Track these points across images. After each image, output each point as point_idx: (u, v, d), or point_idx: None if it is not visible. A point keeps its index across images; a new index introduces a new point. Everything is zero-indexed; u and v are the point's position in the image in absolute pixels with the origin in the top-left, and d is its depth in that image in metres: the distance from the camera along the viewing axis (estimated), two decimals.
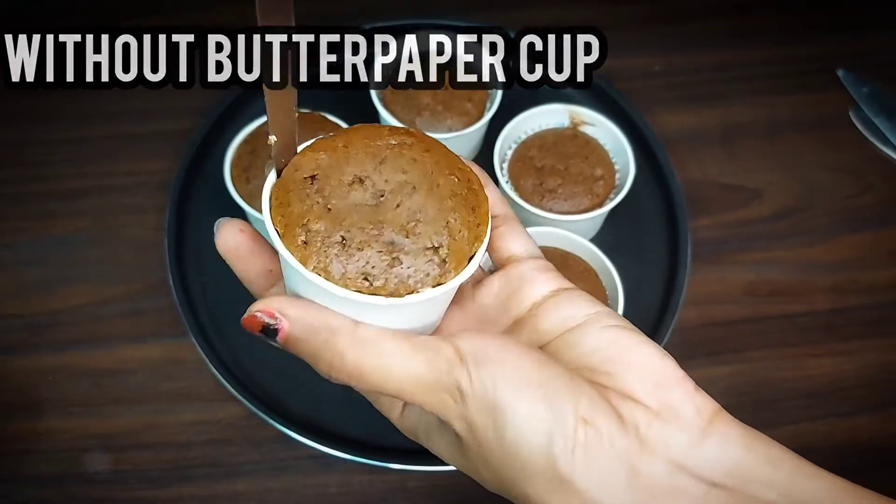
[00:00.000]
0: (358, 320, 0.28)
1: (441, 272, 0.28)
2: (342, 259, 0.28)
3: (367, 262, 0.28)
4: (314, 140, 0.31)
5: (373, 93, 0.58)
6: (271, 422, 0.51)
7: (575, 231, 0.54)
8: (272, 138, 0.29)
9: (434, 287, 0.28)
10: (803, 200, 0.63)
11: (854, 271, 0.59)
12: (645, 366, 0.28)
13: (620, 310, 0.51)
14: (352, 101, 0.63)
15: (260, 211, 0.57)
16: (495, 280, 0.33)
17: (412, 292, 0.28)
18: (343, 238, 0.28)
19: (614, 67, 0.68)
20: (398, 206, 0.29)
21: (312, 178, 0.29)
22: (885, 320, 0.57)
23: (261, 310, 0.28)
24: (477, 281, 0.33)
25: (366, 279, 0.28)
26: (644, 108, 0.65)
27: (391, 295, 0.28)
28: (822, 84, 0.68)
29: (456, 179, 0.30)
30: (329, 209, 0.28)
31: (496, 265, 0.34)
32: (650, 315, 0.56)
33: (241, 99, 0.63)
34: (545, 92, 0.66)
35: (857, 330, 0.57)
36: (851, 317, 0.57)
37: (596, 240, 0.58)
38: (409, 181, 0.29)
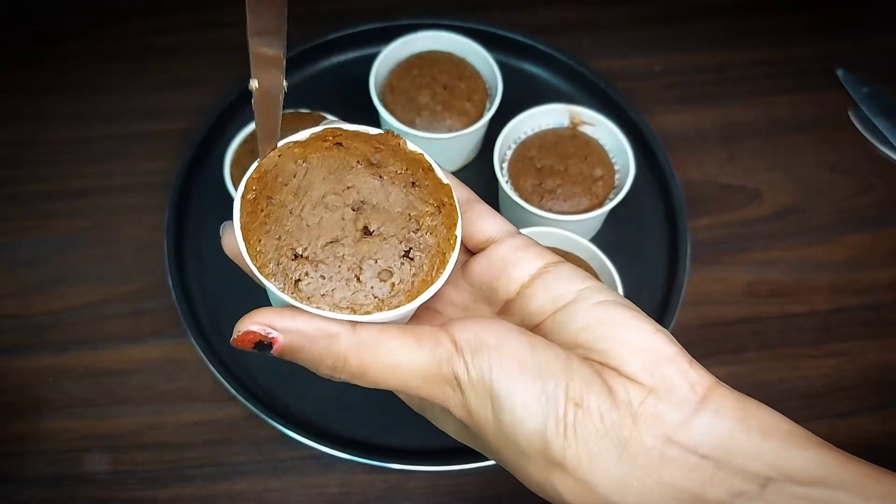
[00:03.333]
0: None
1: (414, 284, 0.29)
2: (314, 283, 0.28)
3: (336, 288, 0.28)
4: (286, 145, 0.30)
5: (372, 93, 0.58)
6: (271, 422, 0.51)
7: (575, 231, 0.54)
8: (253, 83, 0.28)
9: (409, 302, 0.29)
10: (803, 200, 0.63)
11: (853, 271, 0.59)
12: (637, 343, 0.28)
13: None
14: (351, 101, 0.63)
15: None
16: (477, 264, 0.32)
17: (381, 310, 0.28)
18: (310, 260, 0.28)
19: (614, 67, 0.68)
20: (365, 227, 0.29)
21: (294, 193, 0.29)
22: (884, 320, 0.57)
23: (249, 327, 0.27)
24: (462, 263, 0.33)
25: (341, 301, 0.28)
26: (644, 108, 0.65)
27: (362, 312, 0.28)
28: (822, 84, 0.68)
29: (421, 188, 0.30)
30: (296, 229, 0.29)
31: (474, 249, 0.33)
32: (649, 315, 0.56)
33: (242, 99, 0.63)
34: (545, 92, 0.66)
35: (857, 330, 0.57)
36: (851, 317, 0.57)
37: (596, 240, 0.58)
38: (372, 196, 0.29)
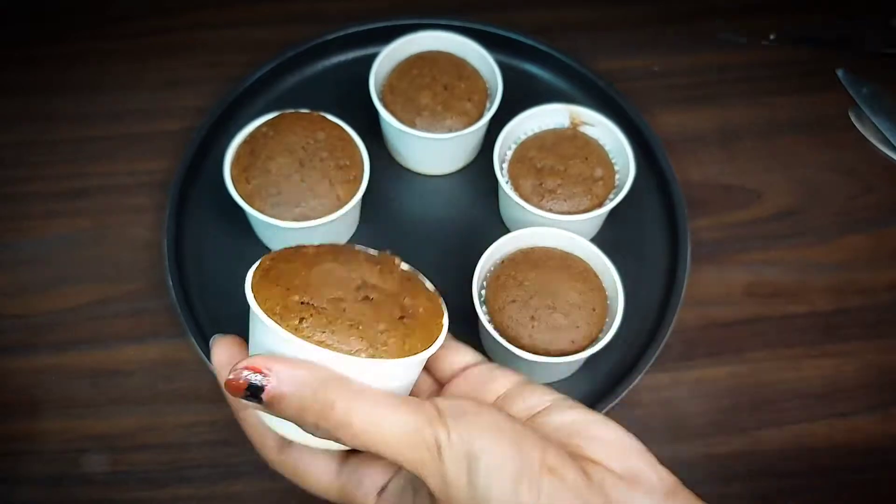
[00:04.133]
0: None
1: (407, 342, 0.31)
2: (314, 324, 0.30)
3: (337, 331, 0.30)
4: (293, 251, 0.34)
5: (372, 93, 0.58)
6: None
7: (575, 231, 0.54)
8: None
9: (404, 357, 0.31)
10: (803, 201, 0.63)
11: (854, 272, 0.59)
12: (609, 438, 0.31)
13: (620, 309, 0.51)
14: (352, 102, 0.63)
15: (260, 211, 0.57)
16: (454, 384, 0.36)
17: (374, 357, 0.31)
18: (314, 307, 0.31)
19: (614, 67, 0.68)
20: (365, 297, 0.32)
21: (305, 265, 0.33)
22: (884, 321, 0.57)
23: (246, 366, 0.28)
24: (434, 392, 0.37)
25: (339, 344, 0.30)
26: (644, 109, 0.65)
27: (361, 356, 0.30)
28: (822, 84, 0.68)
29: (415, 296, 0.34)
30: (304, 284, 0.31)
31: (449, 379, 0.36)
32: (650, 315, 0.56)
33: (241, 99, 0.63)
34: (545, 92, 0.66)
35: (857, 331, 0.57)
36: (851, 318, 0.57)
37: (596, 240, 0.58)
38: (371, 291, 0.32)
